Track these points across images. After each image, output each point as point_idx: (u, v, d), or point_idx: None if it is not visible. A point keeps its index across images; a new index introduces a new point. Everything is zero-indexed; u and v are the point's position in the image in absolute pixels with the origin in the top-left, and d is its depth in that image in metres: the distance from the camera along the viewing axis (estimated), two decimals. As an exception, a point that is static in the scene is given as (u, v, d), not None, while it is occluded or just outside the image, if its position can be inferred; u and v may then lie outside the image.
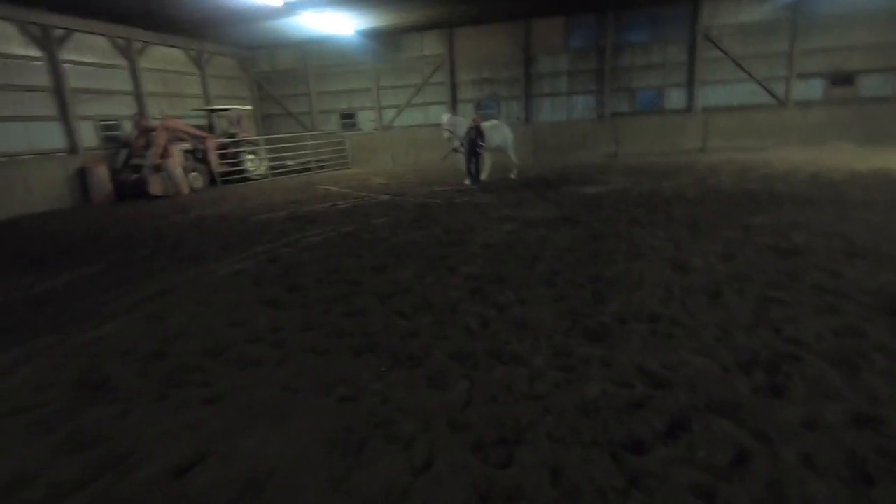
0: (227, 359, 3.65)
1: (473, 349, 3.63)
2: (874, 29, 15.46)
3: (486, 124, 12.52)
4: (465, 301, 4.60)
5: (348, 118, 21.40)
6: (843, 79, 16.13)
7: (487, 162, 13.02)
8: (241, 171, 16.48)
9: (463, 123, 12.57)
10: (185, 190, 14.20)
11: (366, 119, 21.17)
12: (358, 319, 4.31)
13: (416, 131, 20.17)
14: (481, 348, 3.63)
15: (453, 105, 19.77)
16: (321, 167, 19.18)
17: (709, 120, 17.11)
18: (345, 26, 17.00)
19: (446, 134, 12.40)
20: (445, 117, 12.58)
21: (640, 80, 17.92)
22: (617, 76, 17.98)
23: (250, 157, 16.80)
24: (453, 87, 19.73)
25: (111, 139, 15.11)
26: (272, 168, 17.77)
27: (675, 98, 17.79)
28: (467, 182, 12.42)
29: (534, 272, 5.35)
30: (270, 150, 18.04)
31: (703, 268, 5.15)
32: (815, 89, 16.44)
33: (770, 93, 16.79)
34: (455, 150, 12.57)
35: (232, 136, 16.60)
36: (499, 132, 12.93)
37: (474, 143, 11.76)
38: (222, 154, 15.98)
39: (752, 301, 4.24)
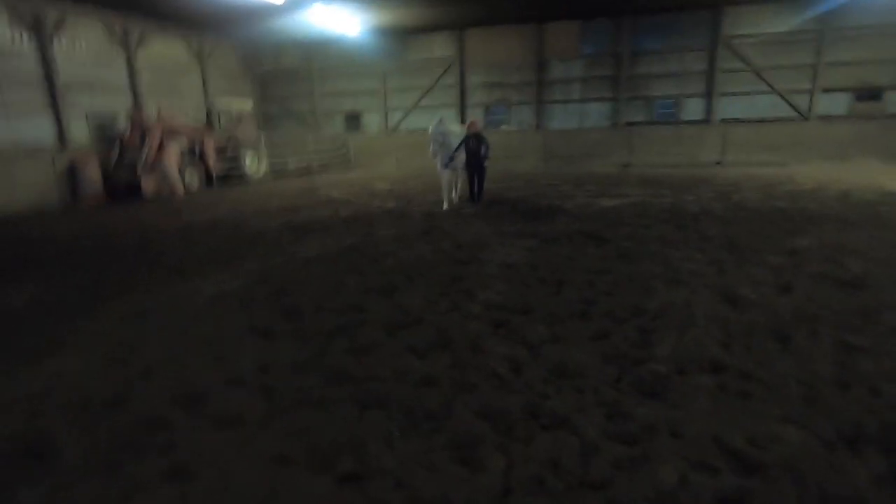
0: (201, 411, 2.97)
1: (505, 405, 2.96)
2: (903, 42, 14.89)
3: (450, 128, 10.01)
4: (489, 337, 3.93)
5: (353, 119, 20.78)
6: (869, 94, 15.52)
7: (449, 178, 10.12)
8: (240, 172, 15.81)
9: (456, 133, 10.03)
10: (180, 191, 13.52)
11: (371, 121, 20.54)
12: (362, 358, 3.64)
13: (422, 135, 19.41)
14: (515, 404, 2.96)
15: (462, 109, 19.15)
16: (323, 169, 18.53)
17: (727, 132, 16.48)
18: (351, 25, 16.39)
19: (431, 147, 9.57)
20: (432, 126, 9.67)
21: (657, 89, 17.30)
22: (632, 84, 17.37)
23: (250, 157, 16.13)
24: (462, 91, 19.12)
25: (104, 135, 14.43)
26: (272, 169, 17.10)
27: (693, 108, 17.17)
28: (445, 206, 9.79)
29: (563, 300, 4.69)
30: (271, 151, 17.38)
31: (758, 301, 4.49)
32: (839, 104, 15.83)
33: (792, 106, 16.18)
34: (445, 165, 9.63)
35: (231, 134, 15.94)
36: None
37: (476, 155, 9.42)
38: (220, 153, 15.31)
39: (830, 348, 3.57)
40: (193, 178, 14.23)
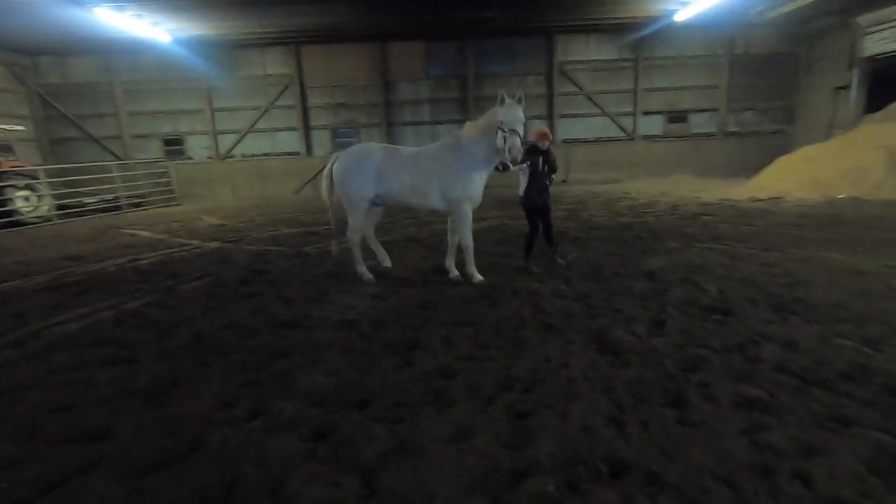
0: None
1: None
2: (700, 72, 17.13)
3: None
4: (303, 461, 2.59)
5: (173, 144, 17.72)
6: (678, 116, 17.60)
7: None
8: (8, 214, 12.15)
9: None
10: None
11: (197, 146, 17.74)
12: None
13: (262, 161, 17.45)
14: None
15: (305, 132, 17.47)
16: (137, 205, 15.33)
17: (569, 152, 17.37)
18: (158, 32, 13.79)
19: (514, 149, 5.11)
20: (503, 111, 5.15)
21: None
22: (479, 105, 17.47)
23: (23, 193, 12.52)
24: (305, 112, 17.48)
25: None
26: (61, 208, 13.54)
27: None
28: (476, 278, 5.87)
29: (414, 375, 3.54)
30: (59, 185, 13.81)
31: (637, 347, 3.84)
32: (656, 125, 17.69)
33: (620, 127, 17.66)
34: (503, 168, 5.73)
35: (-9, 165, 12.25)
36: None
37: (542, 180, 6.09)
38: (-26, 190, 11.61)
39: (730, 410, 2.93)
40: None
